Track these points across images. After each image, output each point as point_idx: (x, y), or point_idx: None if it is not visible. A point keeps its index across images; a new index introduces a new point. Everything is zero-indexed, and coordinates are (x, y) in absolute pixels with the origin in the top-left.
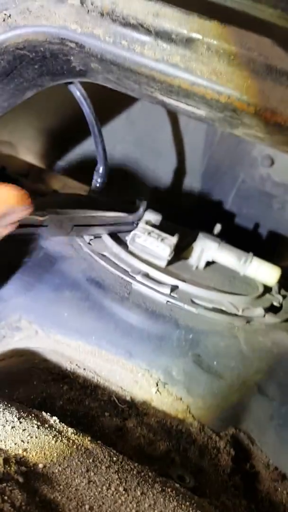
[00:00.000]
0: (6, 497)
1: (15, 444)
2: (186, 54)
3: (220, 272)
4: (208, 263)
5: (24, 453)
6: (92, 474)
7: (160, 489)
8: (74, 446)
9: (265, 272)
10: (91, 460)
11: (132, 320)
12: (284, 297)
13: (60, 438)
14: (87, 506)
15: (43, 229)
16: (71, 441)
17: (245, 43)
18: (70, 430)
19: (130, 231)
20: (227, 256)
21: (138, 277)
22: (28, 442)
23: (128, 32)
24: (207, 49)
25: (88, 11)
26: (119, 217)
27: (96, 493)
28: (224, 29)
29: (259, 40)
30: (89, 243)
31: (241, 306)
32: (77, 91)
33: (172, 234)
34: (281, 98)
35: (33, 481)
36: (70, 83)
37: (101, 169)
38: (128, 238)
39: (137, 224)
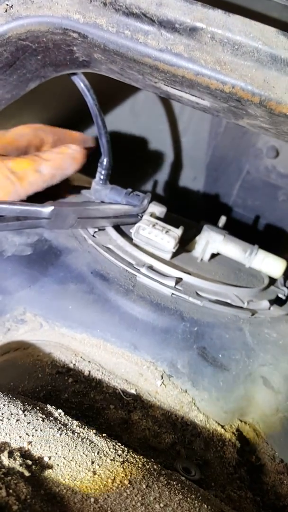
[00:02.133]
0: (11, 490)
1: (20, 437)
2: (190, 43)
3: (225, 265)
4: (213, 255)
5: (29, 446)
6: (97, 466)
7: (165, 481)
8: (79, 439)
9: (270, 264)
10: (96, 453)
11: (137, 312)
12: None
13: (65, 431)
14: (92, 499)
15: (48, 221)
16: (76, 434)
17: (250, 32)
18: (75, 422)
19: (134, 223)
20: (232, 248)
21: (143, 270)
22: (33, 435)
23: (131, 21)
24: (211, 39)
25: (91, 0)
26: (124, 209)
27: (101, 486)
28: (228, 18)
29: (263, 29)
30: (93, 236)
31: (246, 299)
32: (81, 82)
33: (177, 226)
34: (286, 88)
35: (38, 474)
36: (74, 74)
37: (105, 161)
38: (132, 231)
39: (141, 217)
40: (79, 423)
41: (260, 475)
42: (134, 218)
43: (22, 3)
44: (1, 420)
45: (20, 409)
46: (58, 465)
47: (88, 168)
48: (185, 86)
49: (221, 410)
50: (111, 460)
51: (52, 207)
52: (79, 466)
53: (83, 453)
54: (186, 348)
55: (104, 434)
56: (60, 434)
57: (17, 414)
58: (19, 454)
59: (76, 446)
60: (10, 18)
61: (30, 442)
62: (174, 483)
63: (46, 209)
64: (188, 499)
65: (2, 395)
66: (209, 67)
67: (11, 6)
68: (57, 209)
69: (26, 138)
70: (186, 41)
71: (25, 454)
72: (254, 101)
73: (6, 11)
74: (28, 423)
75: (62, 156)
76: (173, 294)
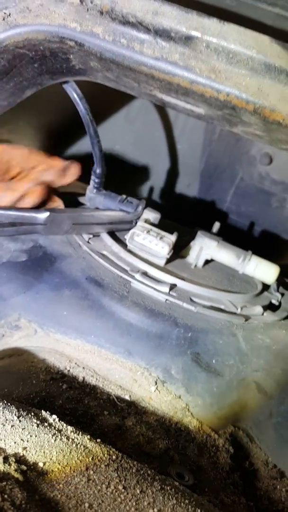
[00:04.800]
0: (6, 496)
1: (15, 442)
2: (185, 52)
3: (219, 271)
4: (207, 262)
5: (24, 452)
6: (91, 472)
7: (159, 487)
8: (74, 445)
9: (263, 270)
10: (90, 459)
11: (131, 318)
12: (282, 295)
13: (59, 436)
14: (86, 505)
15: (43, 227)
16: (70, 439)
17: (244, 41)
18: (70, 428)
19: (129, 229)
20: (225, 255)
21: (137, 276)
22: (27, 441)
23: (127, 30)
24: (206, 47)
25: (88, 9)
26: (118, 215)
27: (95, 491)
28: (223, 27)
29: (258, 38)
30: (88, 242)
31: (240, 304)
32: (73, 91)
33: (171, 233)
34: (280, 96)
35: (32, 479)
36: (66, 82)
37: (98, 170)
38: (127, 237)
39: (136, 223)
40: (74, 429)
41: (253, 481)
42: (128, 225)
43: (19, 11)
44: None
45: (15, 415)
46: (52, 470)
47: (84, 174)
48: (180, 94)
49: (214, 416)
50: (105, 465)
51: (48, 213)
52: (74, 471)
53: (78, 458)
54: (180, 354)
55: (98, 440)
56: (55, 440)
57: (12, 420)
58: (14, 459)
59: (70, 452)
60: (8, 26)
61: (25, 448)
62: (168, 488)
63: (42, 215)
64: (182, 504)
65: None
66: (204, 75)
67: (9, 15)
68: (52, 215)
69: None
70: (182, 49)
71: (20, 460)
72: (248, 109)
73: (3, 19)
74: (23, 429)
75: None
76: (167, 300)
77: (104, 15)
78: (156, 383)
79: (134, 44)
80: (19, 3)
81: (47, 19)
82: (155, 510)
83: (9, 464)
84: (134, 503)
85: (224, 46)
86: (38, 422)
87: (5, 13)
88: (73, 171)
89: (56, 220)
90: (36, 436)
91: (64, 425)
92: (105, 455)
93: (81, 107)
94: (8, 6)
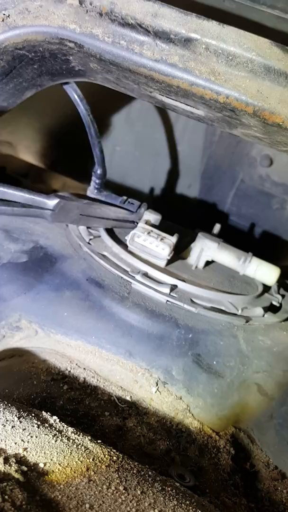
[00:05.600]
0: (6, 496)
1: (15, 443)
2: (184, 54)
3: (220, 272)
4: (208, 263)
5: (25, 453)
6: (92, 473)
7: (160, 488)
8: (74, 446)
9: (264, 272)
10: (91, 459)
11: (132, 319)
12: (283, 296)
13: (60, 437)
14: (87, 505)
15: (51, 213)
16: (71, 440)
17: (244, 43)
18: (70, 429)
19: (131, 228)
20: (226, 256)
21: (138, 277)
22: (28, 442)
23: (127, 32)
24: (205, 49)
25: (87, 11)
26: (122, 213)
27: (96, 492)
28: (223, 29)
29: (257, 40)
30: (88, 243)
31: (241, 306)
32: (73, 92)
33: (172, 234)
34: (280, 98)
35: (33, 480)
36: (66, 83)
37: (99, 171)
38: (127, 238)
39: (137, 224)
40: (74, 430)
41: (254, 482)
42: (130, 224)
43: (19, 13)
44: None
45: (16, 415)
46: (53, 471)
47: (84, 175)
48: (180, 96)
49: (215, 417)
50: (106, 466)
51: (58, 200)
52: (74, 472)
53: (78, 459)
54: (181, 355)
55: (99, 441)
56: (55, 441)
57: (12, 420)
58: (14, 460)
59: (71, 453)
60: (7, 28)
61: (25, 449)
62: (169, 489)
63: (52, 201)
64: (183, 505)
65: None
66: (204, 77)
67: (8, 16)
68: (62, 201)
69: None
70: (181, 51)
71: (20, 460)
72: (248, 111)
73: (3, 20)
74: (24, 429)
75: None
76: (168, 301)
77: (104, 16)
78: (157, 384)
79: (134, 45)
80: (19, 4)
81: (46, 21)
82: (156, 511)
83: (10, 465)
84: (134, 504)
85: (223, 48)
86: (39, 423)
87: (4, 14)
88: None
89: (65, 208)
90: (36, 437)
91: (65, 426)
92: (106, 456)
93: (82, 108)
94: (8, 7)
